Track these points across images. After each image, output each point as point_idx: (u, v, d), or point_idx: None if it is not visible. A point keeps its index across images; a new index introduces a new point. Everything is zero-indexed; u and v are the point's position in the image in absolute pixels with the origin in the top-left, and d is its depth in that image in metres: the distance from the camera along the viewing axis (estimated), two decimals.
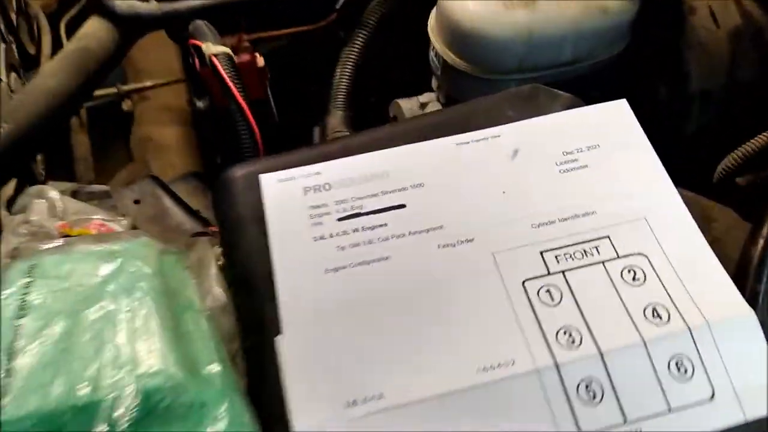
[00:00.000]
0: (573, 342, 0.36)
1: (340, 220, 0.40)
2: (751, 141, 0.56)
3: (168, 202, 0.67)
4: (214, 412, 0.33)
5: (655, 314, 0.37)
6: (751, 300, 0.42)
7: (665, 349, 0.36)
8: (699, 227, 0.49)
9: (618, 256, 0.39)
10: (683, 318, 0.37)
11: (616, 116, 0.45)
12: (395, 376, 0.35)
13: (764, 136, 0.55)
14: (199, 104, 0.76)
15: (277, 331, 0.36)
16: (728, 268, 0.41)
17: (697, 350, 0.36)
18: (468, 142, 0.44)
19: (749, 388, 0.36)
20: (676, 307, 0.37)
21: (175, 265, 0.42)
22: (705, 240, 0.41)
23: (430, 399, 0.34)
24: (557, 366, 0.35)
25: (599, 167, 0.43)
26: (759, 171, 0.57)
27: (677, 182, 0.52)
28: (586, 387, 0.35)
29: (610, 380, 0.35)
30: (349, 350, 0.36)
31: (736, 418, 0.35)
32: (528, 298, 0.37)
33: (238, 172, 0.43)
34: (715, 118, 0.64)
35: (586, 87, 0.53)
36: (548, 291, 0.37)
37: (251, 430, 0.34)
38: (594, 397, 0.35)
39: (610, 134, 0.44)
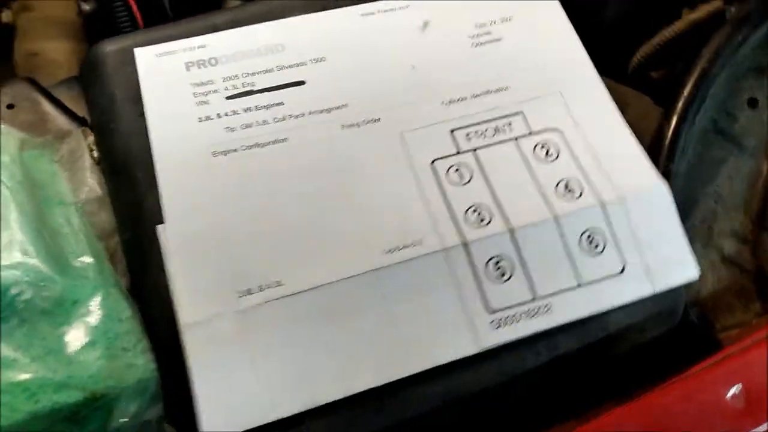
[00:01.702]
0: (482, 220, 0.34)
1: (229, 98, 0.36)
2: (665, 30, 0.54)
3: (47, 106, 0.60)
4: (86, 306, 0.29)
5: (567, 189, 0.35)
6: (665, 178, 0.41)
7: (576, 223, 0.34)
8: None
9: (531, 132, 0.37)
10: (596, 192, 0.35)
11: None
12: (295, 262, 0.32)
13: (677, 24, 0.53)
14: (86, 7, 0.68)
15: (159, 220, 0.32)
16: None
17: (609, 224, 0.35)
18: (374, 13, 0.40)
19: (659, 260, 0.35)
20: (589, 182, 0.35)
21: (40, 157, 0.37)
22: (620, 114, 0.39)
23: (334, 283, 0.32)
24: (465, 244, 0.33)
25: (514, 40, 0.40)
26: (672, 64, 0.56)
27: None
28: (496, 264, 0.33)
29: (520, 257, 0.33)
30: (241, 237, 0.32)
31: (645, 291, 0.34)
32: (437, 177, 0.35)
33: (109, 46, 0.37)
34: (633, 5, 0.62)
35: None
36: (458, 170, 0.35)
37: (131, 326, 0.30)
38: (503, 274, 0.33)
39: (526, 5, 0.41)
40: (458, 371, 0.32)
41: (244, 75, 0.37)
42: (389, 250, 0.33)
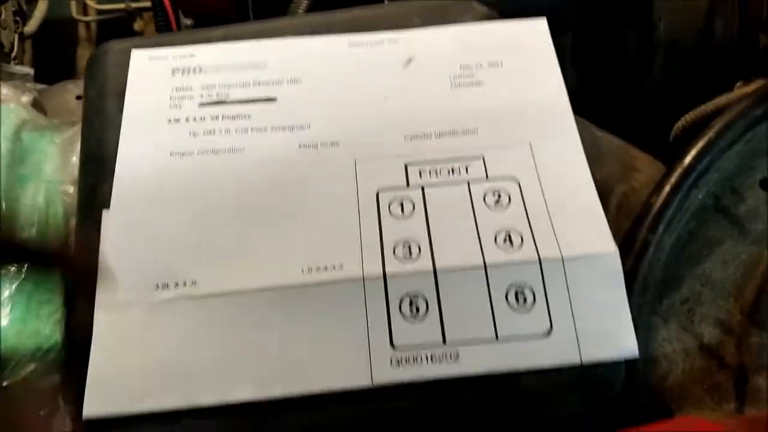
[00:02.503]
0: (410, 256, 0.33)
1: (201, 105, 0.38)
2: (713, 101, 0.51)
3: None
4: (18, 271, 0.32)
5: (508, 240, 0.34)
6: (641, 249, 0.38)
7: (507, 276, 0.33)
8: (620, 177, 0.45)
9: (487, 178, 0.36)
10: (537, 247, 0.34)
11: (530, 35, 0.41)
12: (214, 266, 0.33)
13: (728, 95, 0.50)
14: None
15: (107, 207, 0.35)
16: None
17: (543, 282, 0.33)
18: (363, 44, 0.41)
19: (593, 330, 0.33)
20: (533, 236, 0.34)
21: (40, 137, 0.41)
22: (590, 176, 0.37)
23: (247, 291, 0.32)
24: (385, 277, 0.33)
25: (495, 86, 0.39)
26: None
27: (633, 137, 0.48)
28: (410, 302, 0.32)
29: (438, 299, 0.32)
30: (171, 234, 0.34)
31: (571, 359, 0.32)
32: (378, 207, 0.35)
33: (116, 46, 0.41)
34: (681, 73, 0.58)
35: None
36: (401, 204, 0.35)
37: (51, 297, 0.32)
38: (417, 313, 0.32)
39: (518, 53, 0.40)
40: (352, 404, 0.31)
41: (221, 86, 0.39)
42: (308, 270, 0.33)
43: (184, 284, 0.33)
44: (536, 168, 0.36)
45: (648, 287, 0.38)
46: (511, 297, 0.33)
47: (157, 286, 0.32)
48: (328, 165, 0.36)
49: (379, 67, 0.40)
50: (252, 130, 0.37)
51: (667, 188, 0.39)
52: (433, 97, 0.39)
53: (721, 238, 0.39)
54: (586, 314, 0.33)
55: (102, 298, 0.32)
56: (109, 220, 0.34)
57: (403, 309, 0.32)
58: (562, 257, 0.33)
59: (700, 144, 0.40)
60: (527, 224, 0.34)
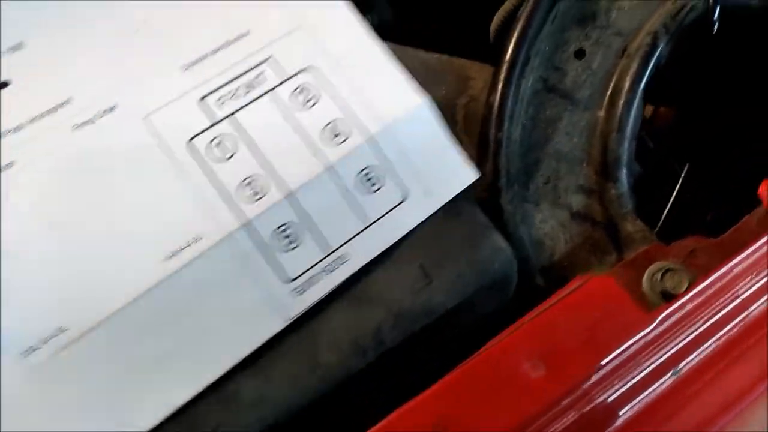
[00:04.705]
0: (257, 193, 0.32)
1: None
2: None
3: None
4: None
5: (334, 134, 0.34)
6: (496, 148, 0.41)
7: (350, 166, 0.33)
8: (459, 89, 0.48)
9: (285, 78, 0.34)
10: (362, 129, 0.34)
11: None
12: (72, 302, 0.30)
13: None
14: None
15: None
16: None
17: (382, 157, 0.34)
18: None
19: (436, 176, 0.35)
20: (354, 120, 0.34)
21: None
22: (378, 41, 0.36)
23: (119, 311, 0.30)
24: (246, 224, 0.32)
25: None
26: None
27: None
28: (283, 233, 0.32)
29: (303, 218, 0.33)
30: (7, 288, 0.29)
31: (432, 208, 0.34)
32: (198, 158, 0.32)
33: None
34: None
35: None
36: (219, 143, 0.32)
37: None
38: (292, 241, 0.32)
39: None
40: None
41: None
42: (168, 257, 0.30)
43: (52, 335, 0.29)
44: (326, 51, 0.35)
45: (512, 180, 0.41)
46: (362, 182, 0.34)
47: (25, 351, 0.29)
48: (116, 135, 0.31)
49: None
50: (8, 132, 0.31)
51: (500, 86, 0.42)
52: (185, 6, 0.34)
53: (558, 113, 0.43)
54: (425, 165, 0.34)
55: None
56: None
57: (278, 243, 0.32)
58: (386, 128, 0.34)
59: (514, 38, 0.42)
60: (344, 111, 0.34)
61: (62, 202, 0.30)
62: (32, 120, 0.31)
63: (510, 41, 0.42)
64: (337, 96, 0.34)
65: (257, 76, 0.34)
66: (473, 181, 0.35)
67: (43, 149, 0.31)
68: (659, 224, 0.46)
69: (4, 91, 0.31)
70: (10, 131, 0.31)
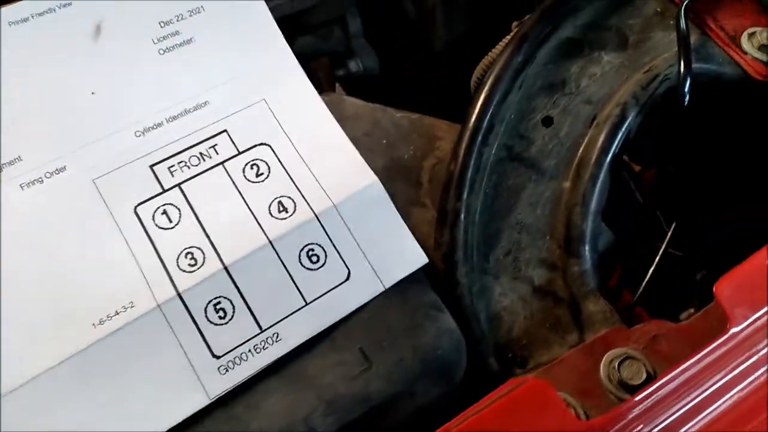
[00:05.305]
0: (195, 264, 0.32)
1: None
2: (493, 49, 0.52)
3: None
4: None
5: (281, 208, 0.34)
6: (454, 218, 0.39)
7: (293, 242, 0.33)
8: (426, 150, 0.46)
9: (239, 152, 0.35)
10: (310, 205, 0.34)
11: None
12: (3, 359, 0.30)
13: (504, 40, 0.51)
14: None
15: None
16: None
17: (327, 235, 0.34)
18: (26, 19, 0.33)
19: (384, 257, 0.34)
20: (303, 196, 0.34)
21: None
22: (332, 117, 0.37)
23: (48, 371, 0.29)
24: (180, 295, 0.31)
25: (207, 40, 0.36)
26: None
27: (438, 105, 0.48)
28: (215, 307, 0.31)
29: (239, 293, 0.32)
30: None
31: (376, 289, 0.33)
32: (143, 225, 0.32)
33: None
34: (464, 25, 0.60)
35: None
36: (165, 212, 0.33)
37: None
38: (224, 315, 0.31)
39: None
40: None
41: None
42: (99, 322, 0.30)
43: None
44: (280, 125, 0.35)
45: (470, 251, 0.39)
46: (305, 259, 0.33)
47: None
48: (63, 197, 0.32)
49: (64, 47, 0.33)
50: None
51: (461, 154, 0.40)
52: (144, 72, 0.35)
53: (522, 183, 0.41)
54: (372, 246, 0.34)
55: None
56: None
57: (210, 317, 0.31)
58: (334, 205, 0.34)
59: (478, 105, 0.41)
60: (293, 186, 0.34)
61: (3, 257, 0.31)
62: None
63: (473, 108, 0.41)
64: (287, 172, 0.34)
65: (211, 147, 0.34)
66: (422, 265, 0.34)
67: None
68: (644, 284, 0.45)
69: None
70: None
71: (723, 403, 0.31)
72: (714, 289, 0.30)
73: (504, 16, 0.55)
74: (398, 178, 0.40)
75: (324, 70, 0.54)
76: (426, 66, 0.60)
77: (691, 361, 0.31)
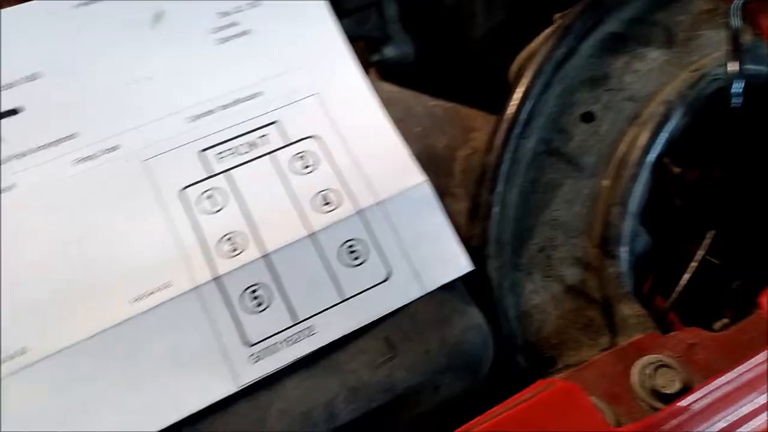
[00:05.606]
0: (236, 249, 0.32)
1: None
2: (535, 39, 0.51)
3: None
4: None
5: (325, 202, 0.33)
6: (486, 211, 0.38)
7: (335, 236, 0.32)
8: (461, 140, 0.45)
9: (288, 143, 0.34)
10: (354, 200, 0.33)
11: None
12: (39, 326, 0.30)
13: (546, 32, 0.50)
14: None
15: None
16: None
17: (370, 231, 0.33)
18: (86, 2, 0.35)
19: (426, 260, 0.33)
20: (348, 191, 0.33)
21: None
22: (385, 114, 0.36)
23: (81, 342, 0.29)
24: (217, 279, 0.31)
25: (264, 32, 0.36)
26: None
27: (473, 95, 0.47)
28: (252, 294, 0.31)
29: (277, 282, 0.31)
30: None
31: (414, 293, 0.32)
32: (187, 207, 0.32)
33: None
34: (504, 13, 0.59)
35: None
36: (210, 196, 0.33)
37: None
38: (261, 303, 0.31)
39: None
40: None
41: None
42: (136, 299, 0.30)
43: (13, 355, 0.29)
44: (332, 119, 0.35)
45: (503, 246, 0.38)
46: (345, 255, 0.32)
47: None
48: (114, 175, 0.32)
49: (125, 33, 0.34)
50: (13, 157, 0.32)
51: (498, 145, 0.39)
52: (200, 61, 0.35)
53: (560, 179, 0.40)
54: (415, 247, 0.32)
55: None
56: None
57: (246, 304, 0.31)
58: (379, 203, 0.33)
59: (518, 96, 0.40)
60: (339, 180, 0.33)
61: (49, 229, 0.31)
62: (38, 148, 0.32)
63: (512, 99, 0.40)
64: (335, 166, 0.34)
65: (261, 137, 0.34)
66: (466, 272, 0.33)
67: (44, 178, 0.32)
68: (679, 289, 0.43)
69: (16, 117, 0.32)
70: (15, 156, 0.32)
71: (762, 422, 0.30)
72: (759, 300, 0.29)
73: (545, 8, 0.53)
74: (430, 167, 0.39)
75: (359, 55, 0.53)
76: (462, 55, 0.58)
77: (731, 374, 0.29)
